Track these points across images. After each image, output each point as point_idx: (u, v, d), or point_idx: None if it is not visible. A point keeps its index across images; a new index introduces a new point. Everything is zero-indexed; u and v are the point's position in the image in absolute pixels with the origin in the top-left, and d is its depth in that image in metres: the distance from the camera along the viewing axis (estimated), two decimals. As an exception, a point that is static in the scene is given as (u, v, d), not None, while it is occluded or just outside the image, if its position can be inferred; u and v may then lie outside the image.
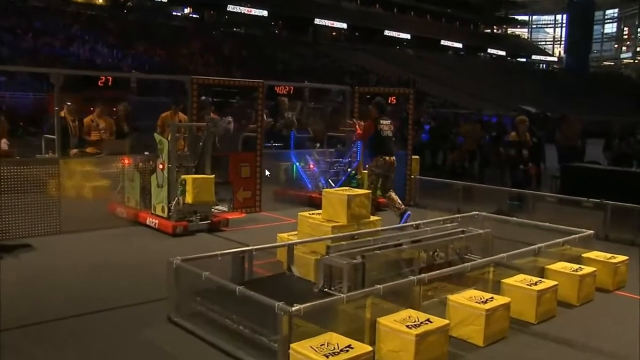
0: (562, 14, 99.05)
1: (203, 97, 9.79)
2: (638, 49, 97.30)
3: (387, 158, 9.29)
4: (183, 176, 8.39)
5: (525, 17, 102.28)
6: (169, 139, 8.44)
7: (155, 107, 10.93)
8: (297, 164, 11.27)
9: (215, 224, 8.64)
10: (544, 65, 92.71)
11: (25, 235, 7.90)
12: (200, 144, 8.85)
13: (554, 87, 66.71)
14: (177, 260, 4.92)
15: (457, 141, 16.78)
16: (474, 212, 7.72)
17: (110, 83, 8.61)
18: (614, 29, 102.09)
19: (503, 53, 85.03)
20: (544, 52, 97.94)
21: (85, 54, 35.67)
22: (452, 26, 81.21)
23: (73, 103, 10.13)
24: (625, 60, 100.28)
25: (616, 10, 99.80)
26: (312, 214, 6.75)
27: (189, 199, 8.28)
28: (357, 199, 6.43)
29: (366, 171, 10.64)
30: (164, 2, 51.22)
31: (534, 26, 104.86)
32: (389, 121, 9.46)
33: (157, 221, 8.50)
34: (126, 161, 9.11)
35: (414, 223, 7.27)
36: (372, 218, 6.68)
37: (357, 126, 9.84)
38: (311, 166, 11.33)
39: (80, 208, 8.49)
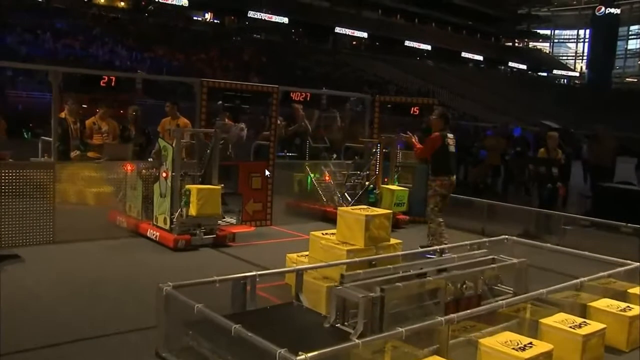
0: (584, 29, 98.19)
1: (220, 102, 9.20)
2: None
3: (452, 178, 8.25)
4: (187, 186, 7.78)
5: (547, 32, 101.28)
6: (174, 145, 7.85)
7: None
8: (312, 175, 10.62)
9: (221, 239, 8.00)
10: (565, 80, 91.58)
11: (14, 244, 7.31)
12: (208, 151, 8.23)
13: (575, 103, 65.67)
14: (167, 287, 4.27)
15: (480, 155, 16.03)
16: (503, 237, 7.00)
17: (113, 83, 8.01)
18: (638, 45, 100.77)
19: (524, 67, 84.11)
20: (565, 67, 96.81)
21: (104, 55, 35.44)
22: (473, 38, 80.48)
23: (76, 103, 9.57)
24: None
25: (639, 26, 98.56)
26: (326, 233, 6.08)
27: (192, 210, 7.66)
28: (376, 220, 5.75)
29: (387, 186, 9.99)
30: (185, 6, 50.92)
31: (555, 40, 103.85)
32: (453, 135, 8.43)
33: (158, 233, 7.89)
34: (129, 167, 8.51)
35: (438, 248, 6.59)
36: (392, 241, 5.99)
37: (413, 139, 8.66)
38: (326, 178, 10.68)
39: (76, 216, 7.92)
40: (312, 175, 10.59)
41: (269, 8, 55.38)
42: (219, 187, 7.94)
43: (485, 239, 7.04)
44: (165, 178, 7.84)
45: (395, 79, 54.73)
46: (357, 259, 5.42)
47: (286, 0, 58.04)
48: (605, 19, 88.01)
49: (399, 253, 5.89)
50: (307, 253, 6.12)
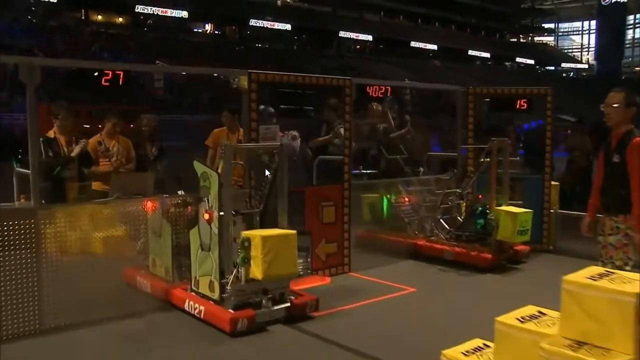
0: (589, 20, 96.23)
1: (262, 107, 6.42)
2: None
3: None
4: (245, 233, 5.03)
5: (552, 25, 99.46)
6: (219, 169, 5.13)
7: (190, 125, 7.59)
8: (388, 196, 7.86)
9: (298, 308, 5.24)
10: (574, 73, 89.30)
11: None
12: (269, 176, 5.45)
13: (587, 95, 63.16)
14: None
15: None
16: None
17: (121, 82, 5.28)
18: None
19: (531, 62, 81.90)
20: (573, 60, 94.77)
21: (103, 72, 33.01)
22: (478, 36, 78.59)
23: (71, 116, 6.83)
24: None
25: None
26: (527, 318, 3.26)
27: (257, 271, 4.89)
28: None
29: (504, 208, 7.22)
30: (185, 18, 48.60)
31: (560, 34, 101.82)
32: None
33: (202, 307, 5.11)
34: (149, 205, 5.74)
35: None
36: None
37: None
38: (406, 199, 7.93)
39: (74, 284, 5.14)
40: (388, 196, 7.82)
41: (271, 16, 53.27)
42: (294, 232, 5.16)
43: None
44: (209, 221, 5.08)
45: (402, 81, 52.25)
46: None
47: (288, 7, 55.95)
48: (611, 9, 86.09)
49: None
50: (468, 346, 3.31)
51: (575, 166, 12.73)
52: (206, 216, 5.12)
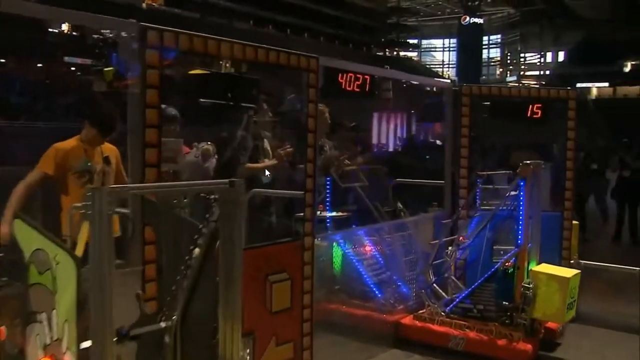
0: (449, 38, 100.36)
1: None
2: (521, 73, 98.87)
3: None
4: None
5: (416, 41, 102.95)
6: (78, 244, 2.09)
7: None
8: (345, 246, 5.04)
9: None
10: (437, 88, 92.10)
11: None
12: (195, 251, 2.47)
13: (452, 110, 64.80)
14: None
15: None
16: None
17: None
18: (498, 54, 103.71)
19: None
20: (436, 75, 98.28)
21: None
22: (346, 48, 78.68)
23: None
24: (510, 84, 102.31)
25: (499, 36, 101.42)
26: None
27: None
28: None
29: (546, 268, 4.68)
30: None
31: (423, 49, 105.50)
32: None
33: None
34: None
35: None
36: None
37: None
38: (367, 249, 5.18)
39: None
40: (347, 245, 5.01)
41: (134, 19, 48.80)
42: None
43: None
44: None
45: (271, 91, 50.09)
46: None
47: (154, 11, 51.92)
48: (470, 28, 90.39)
49: None
50: None
51: None
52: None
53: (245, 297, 3.32)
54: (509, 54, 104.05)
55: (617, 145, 11.88)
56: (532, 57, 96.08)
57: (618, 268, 5.68)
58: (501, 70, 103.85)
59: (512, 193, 4.68)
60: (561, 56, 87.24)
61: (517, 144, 8.36)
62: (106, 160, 3.85)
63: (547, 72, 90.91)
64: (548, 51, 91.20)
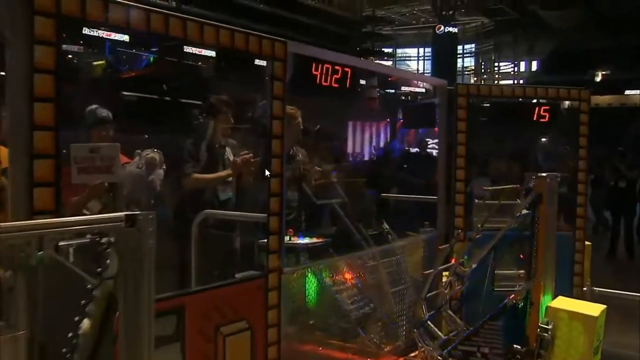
0: (424, 47, 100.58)
1: (90, 108, 2.53)
2: (495, 82, 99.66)
3: None
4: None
5: (391, 50, 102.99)
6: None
7: None
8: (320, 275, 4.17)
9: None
10: (411, 97, 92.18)
11: None
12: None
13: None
14: None
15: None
16: None
17: None
18: (473, 63, 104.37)
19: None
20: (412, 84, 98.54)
21: None
22: (322, 57, 78.71)
23: None
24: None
25: (473, 45, 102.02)
26: None
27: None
28: None
29: (570, 304, 3.86)
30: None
31: (398, 58, 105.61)
32: None
33: None
34: None
35: None
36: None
37: None
38: (347, 277, 4.33)
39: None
40: (324, 274, 4.15)
41: None
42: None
43: None
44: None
45: (236, 92, 49.26)
46: None
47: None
48: (445, 37, 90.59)
49: None
50: None
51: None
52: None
53: (190, 358, 2.45)
54: (482, 63, 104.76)
55: (610, 154, 11.29)
56: (505, 67, 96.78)
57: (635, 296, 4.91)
58: (475, 79, 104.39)
59: (524, 211, 3.86)
60: (534, 65, 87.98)
61: (497, 153, 7.66)
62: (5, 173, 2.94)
63: (521, 82, 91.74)
64: (522, 60, 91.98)
